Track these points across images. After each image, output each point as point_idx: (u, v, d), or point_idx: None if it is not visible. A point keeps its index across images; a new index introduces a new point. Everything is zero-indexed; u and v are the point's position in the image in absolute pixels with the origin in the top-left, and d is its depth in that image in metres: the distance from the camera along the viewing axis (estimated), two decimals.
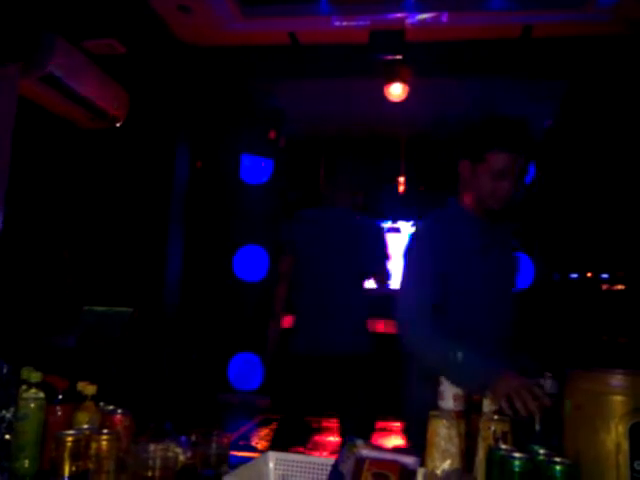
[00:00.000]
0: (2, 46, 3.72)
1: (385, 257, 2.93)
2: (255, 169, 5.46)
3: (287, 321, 2.90)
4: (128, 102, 4.80)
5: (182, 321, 3.56)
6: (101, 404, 1.42)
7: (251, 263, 5.40)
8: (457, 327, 1.66)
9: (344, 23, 3.99)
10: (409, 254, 1.78)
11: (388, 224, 5.55)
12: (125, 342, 3.37)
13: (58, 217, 4.57)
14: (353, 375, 2.73)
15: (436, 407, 1.20)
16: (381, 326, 3.96)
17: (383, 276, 2.93)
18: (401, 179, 5.73)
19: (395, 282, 1.84)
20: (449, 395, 1.19)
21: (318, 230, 2.88)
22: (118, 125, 4.78)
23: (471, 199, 1.78)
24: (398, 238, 5.41)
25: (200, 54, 4.34)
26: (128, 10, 3.80)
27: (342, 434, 2.88)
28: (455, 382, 1.20)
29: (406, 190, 5.78)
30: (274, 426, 2.86)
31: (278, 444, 2.73)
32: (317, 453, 3.58)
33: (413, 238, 1.81)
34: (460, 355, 1.46)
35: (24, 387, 1.38)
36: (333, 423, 3.82)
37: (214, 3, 3.79)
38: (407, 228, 5.55)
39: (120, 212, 4.82)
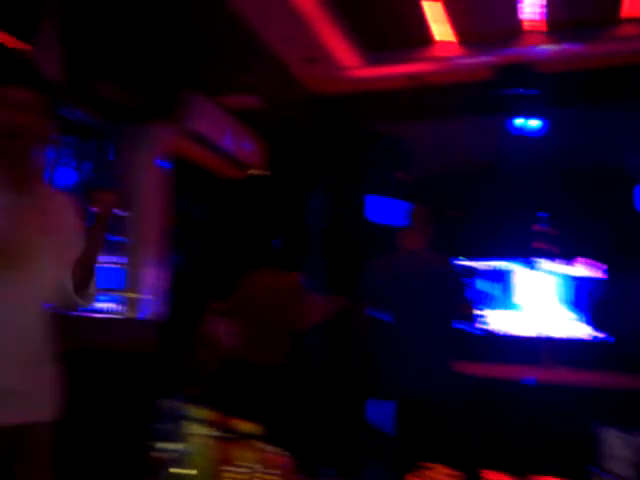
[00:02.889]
0: (150, 105, 4.13)
1: (464, 297, 2.98)
2: (382, 210, 5.51)
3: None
4: (264, 150, 5.11)
5: (326, 365, 3.70)
6: (262, 443, 1.49)
7: None
8: None
9: (469, 61, 3.99)
10: None
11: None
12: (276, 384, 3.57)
13: (203, 265, 4.92)
14: (448, 421, 2.73)
15: None
16: (469, 368, 3.84)
17: (468, 316, 2.95)
18: (541, 215, 5.51)
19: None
20: None
21: (397, 277, 2.96)
22: (255, 172, 5.10)
23: None
24: (542, 277, 5.18)
25: (326, 101, 4.53)
26: (260, 66, 4.08)
27: None
28: None
29: (547, 226, 5.54)
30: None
31: None
32: None
33: None
34: None
35: (193, 424, 1.49)
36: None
37: (338, 53, 3.95)
38: (549, 266, 5.26)
39: (257, 256, 5.08)
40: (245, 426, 1.49)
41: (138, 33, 3.61)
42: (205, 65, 4.09)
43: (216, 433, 1.51)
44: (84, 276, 1.69)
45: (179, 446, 1.49)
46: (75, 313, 2.10)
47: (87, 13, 3.35)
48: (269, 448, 1.47)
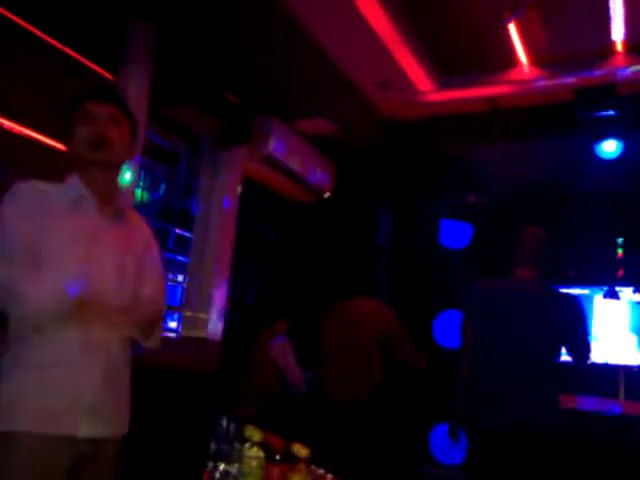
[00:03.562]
0: (231, 131, 4.28)
1: (582, 332, 2.73)
2: (455, 233, 5.43)
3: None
4: (335, 174, 5.16)
5: (384, 390, 3.62)
6: (312, 467, 1.49)
7: (451, 329, 5.29)
8: None
9: (547, 83, 3.88)
10: None
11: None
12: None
13: (278, 285, 5.00)
14: (540, 457, 2.51)
15: None
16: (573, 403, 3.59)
17: (580, 352, 2.73)
18: (619, 240, 5.25)
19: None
20: None
21: (497, 302, 2.77)
22: (326, 196, 5.15)
23: None
24: (616, 305, 4.94)
25: (400, 125, 4.53)
26: (334, 91, 4.14)
27: None
28: None
29: (625, 252, 5.29)
30: None
31: None
32: None
33: None
34: None
35: (247, 445, 1.51)
36: None
37: (413, 77, 3.94)
38: (627, 294, 5.02)
39: (326, 279, 5.12)
40: (298, 449, 1.49)
41: (218, 59, 3.77)
42: (280, 90, 4.19)
43: (270, 455, 1.52)
44: (152, 326, 1.74)
45: (233, 467, 1.51)
46: None
47: (172, 41, 3.54)
48: (321, 472, 1.47)
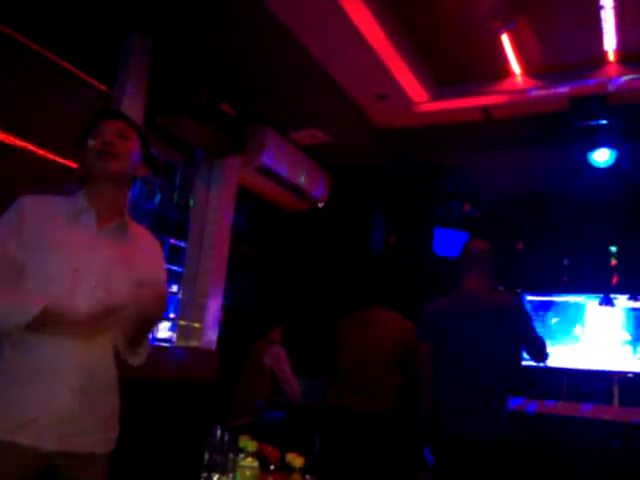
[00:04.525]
0: (226, 141, 4.28)
1: (532, 328, 2.83)
2: (449, 242, 5.45)
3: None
4: (330, 183, 5.18)
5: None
6: (307, 476, 1.49)
7: None
8: None
9: (541, 92, 3.91)
10: None
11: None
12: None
13: (272, 294, 5.00)
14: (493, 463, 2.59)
15: None
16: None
17: (538, 348, 2.82)
18: (613, 249, 5.30)
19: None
20: None
21: (446, 319, 2.86)
22: (320, 205, 5.17)
23: None
24: (611, 312, 4.97)
25: (394, 135, 4.55)
26: (331, 104, 4.16)
27: None
28: None
29: (618, 260, 5.33)
30: None
31: None
32: None
33: None
34: None
35: (241, 455, 1.51)
36: None
37: (407, 88, 3.97)
38: (622, 302, 5.05)
39: (321, 286, 5.13)
40: (293, 459, 1.49)
41: (214, 70, 3.79)
42: (276, 101, 4.21)
43: (264, 465, 1.52)
44: (137, 336, 1.66)
45: (228, 477, 1.51)
46: None
47: (167, 52, 3.56)
48: None
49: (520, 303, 2.96)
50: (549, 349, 2.88)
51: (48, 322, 1.52)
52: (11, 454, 1.48)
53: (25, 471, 1.50)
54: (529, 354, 2.85)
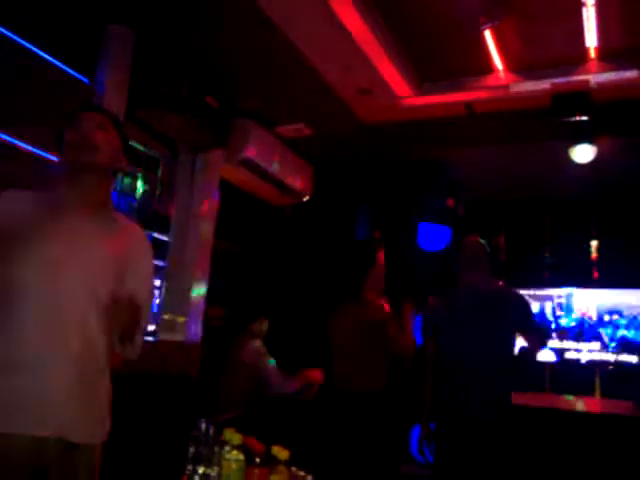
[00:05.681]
0: (209, 134, 4.27)
1: (533, 318, 3.01)
2: (433, 236, 5.49)
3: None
4: (314, 178, 5.18)
5: None
6: (293, 469, 1.49)
7: None
8: None
9: (523, 88, 3.95)
10: None
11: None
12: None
13: (255, 288, 4.98)
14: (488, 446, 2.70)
15: None
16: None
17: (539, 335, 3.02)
18: (593, 243, 5.38)
19: None
20: None
21: (449, 312, 3.00)
22: (305, 200, 5.16)
23: None
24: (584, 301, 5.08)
25: (378, 130, 4.56)
26: (315, 98, 4.16)
27: None
28: None
29: (599, 254, 5.41)
30: None
31: None
32: None
33: None
34: None
35: (227, 448, 1.51)
36: None
37: (393, 84, 3.98)
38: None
39: (306, 280, 5.13)
40: (278, 451, 1.49)
41: (198, 62, 3.77)
42: (260, 94, 4.20)
43: (250, 458, 1.52)
44: (131, 329, 1.65)
45: (213, 470, 1.51)
46: None
47: (150, 44, 3.53)
48: (301, 473, 1.47)
49: (519, 294, 3.07)
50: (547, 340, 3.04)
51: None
52: (11, 445, 1.46)
53: (29, 461, 1.49)
54: (529, 343, 2.93)
